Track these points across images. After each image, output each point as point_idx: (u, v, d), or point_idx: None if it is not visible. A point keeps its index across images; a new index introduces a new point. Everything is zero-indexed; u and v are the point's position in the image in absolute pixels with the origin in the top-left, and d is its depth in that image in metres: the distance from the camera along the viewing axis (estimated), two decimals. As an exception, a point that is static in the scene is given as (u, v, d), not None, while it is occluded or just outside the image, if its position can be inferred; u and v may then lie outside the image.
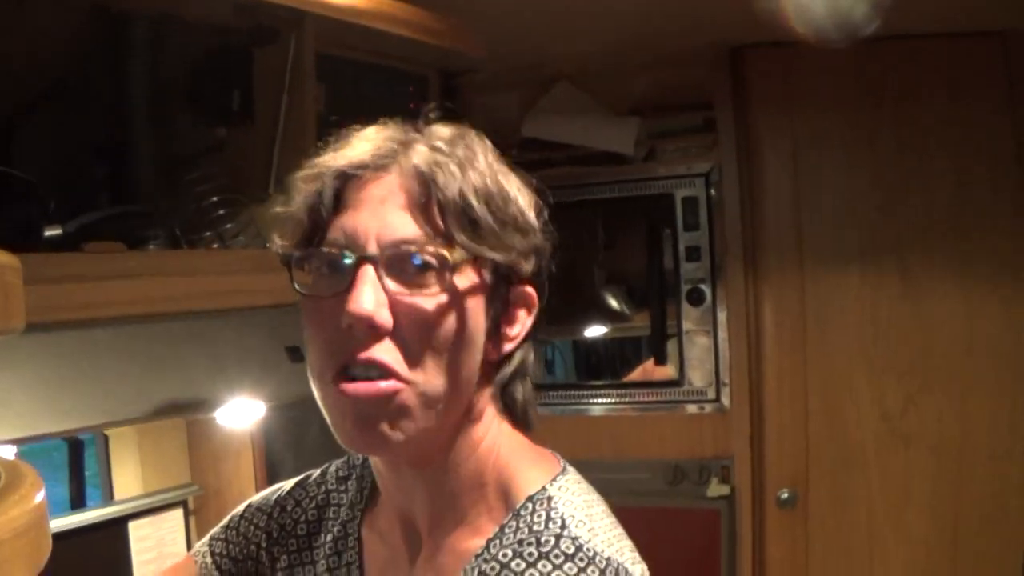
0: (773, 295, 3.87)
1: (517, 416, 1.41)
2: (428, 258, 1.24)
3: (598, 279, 4.27)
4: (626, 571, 1.22)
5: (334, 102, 2.88)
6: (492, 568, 1.21)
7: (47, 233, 2.12)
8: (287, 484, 1.68)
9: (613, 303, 4.30)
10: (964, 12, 3.35)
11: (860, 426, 3.76)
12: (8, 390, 2.00)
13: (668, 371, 4.08)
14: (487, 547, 1.27)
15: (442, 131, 1.34)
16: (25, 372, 2.03)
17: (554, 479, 1.33)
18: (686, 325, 4.00)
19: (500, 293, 1.31)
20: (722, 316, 3.93)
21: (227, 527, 1.67)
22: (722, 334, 3.94)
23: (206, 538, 1.68)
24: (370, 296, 1.22)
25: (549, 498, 1.29)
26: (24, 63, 2.21)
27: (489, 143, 1.37)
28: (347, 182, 1.29)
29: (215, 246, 2.52)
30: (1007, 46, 3.54)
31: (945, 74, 3.60)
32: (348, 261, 1.25)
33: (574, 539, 1.22)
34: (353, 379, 1.24)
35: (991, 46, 3.54)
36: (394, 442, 1.28)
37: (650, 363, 4.15)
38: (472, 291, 1.27)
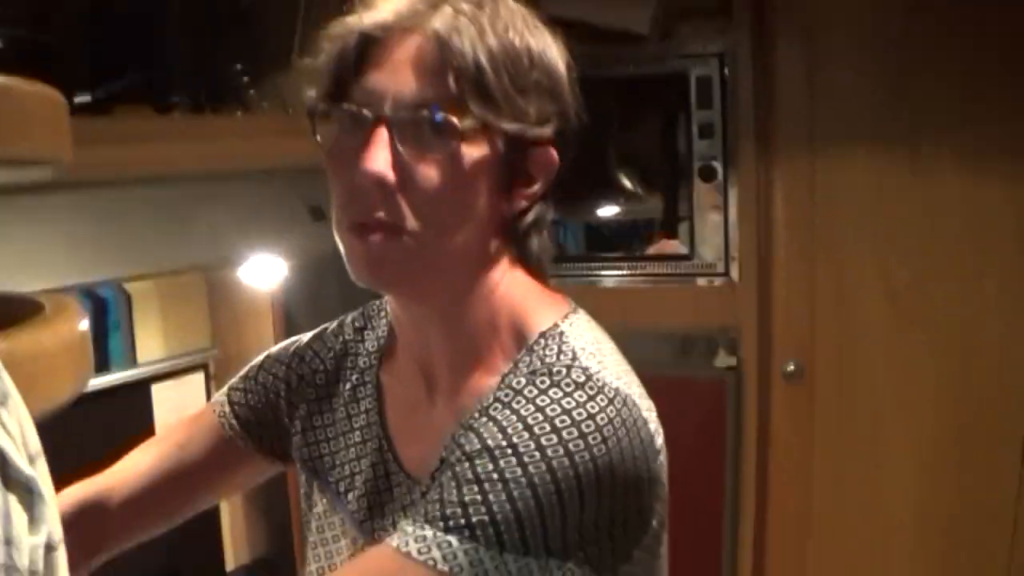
0: (784, 174, 3.91)
1: (532, 265, 1.45)
2: (438, 123, 1.27)
3: (611, 159, 4.30)
4: (634, 402, 1.29)
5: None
6: (505, 395, 1.28)
7: (77, 99, 2.18)
8: (304, 336, 1.73)
9: (626, 183, 4.33)
10: None
11: (866, 304, 3.82)
12: (39, 244, 2.08)
13: (678, 245, 4.15)
14: (502, 380, 1.33)
15: None
16: (55, 227, 2.11)
17: (565, 316, 1.39)
18: (697, 201, 4.05)
19: (515, 155, 1.34)
20: (733, 193, 3.97)
21: (245, 377, 1.72)
22: (732, 211, 3.98)
23: (224, 388, 1.74)
24: (380, 156, 1.27)
25: (561, 333, 1.35)
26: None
27: (520, 4, 1.38)
28: (372, 41, 1.32)
29: (239, 112, 2.58)
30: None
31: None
32: (365, 119, 1.29)
33: (584, 369, 1.28)
34: (365, 230, 1.30)
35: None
36: (402, 283, 1.36)
37: (665, 241, 4.21)
38: (481, 156, 1.31)
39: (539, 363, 1.31)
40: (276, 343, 1.77)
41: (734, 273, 3.99)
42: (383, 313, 1.64)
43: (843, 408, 3.90)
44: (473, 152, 1.30)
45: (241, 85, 2.57)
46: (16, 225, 2.01)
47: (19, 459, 0.87)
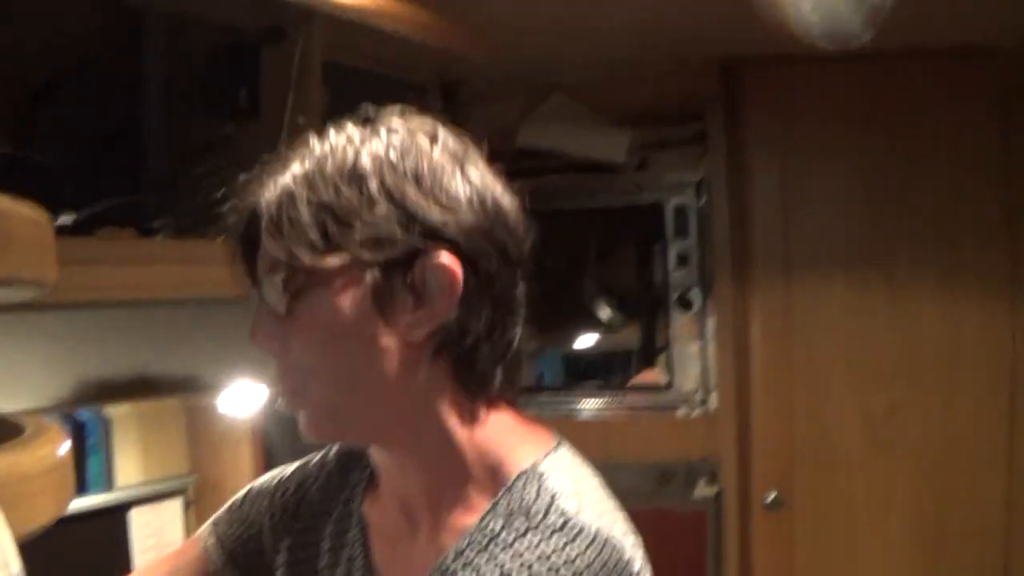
0: (761, 302, 3.94)
1: (474, 387, 1.35)
2: (276, 284, 1.26)
3: (589, 289, 4.32)
4: (615, 543, 1.25)
5: (335, 109, 2.93)
6: (482, 538, 1.25)
7: (60, 218, 2.19)
8: (288, 467, 1.69)
9: (604, 313, 4.35)
10: (958, 29, 3.40)
11: (844, 432, 3.83)
12: (21, 363, 2.07)
13: (657, 375, 4.15)
14: (479, 521, 1.29)
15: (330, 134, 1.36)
16: (36, 347, 2.10)
17: (546, 455, 1.34)
18: (675, 331, 4.06)
19: (395, 279, 1.26)
20: (711, 322, 3.99)
21: (230, 509, 1.68)
22: (710, 340, 3.99)
23: (209, 522, 1.69)
24: (257, 324, 1.29)
25: (540, 474, 1.30)
26: (42, 50, 2.27)
27: (418, 121, 1.34)
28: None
29: (220, 238, 2.58)
30: (999, 64, 3.61)
31: (936, 90, 3.67)
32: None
33: (562, 512, 1.24)
34: (284, 399, 1.32)
35: (983, 63, 3.61)
36: (343, 437, 1.38)
37: (643, 372, 4.22)
38: (337, 297, 1.26)
39: (517, 504, 1.27)
40: (255, 470, 1.75)
41: (713, 403, 3.99)
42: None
43: (822, 537, 3.88)
44: (322, 296, 1.26)
45: (223, 211, 2.58)
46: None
47: (0, 581, 0.86)
